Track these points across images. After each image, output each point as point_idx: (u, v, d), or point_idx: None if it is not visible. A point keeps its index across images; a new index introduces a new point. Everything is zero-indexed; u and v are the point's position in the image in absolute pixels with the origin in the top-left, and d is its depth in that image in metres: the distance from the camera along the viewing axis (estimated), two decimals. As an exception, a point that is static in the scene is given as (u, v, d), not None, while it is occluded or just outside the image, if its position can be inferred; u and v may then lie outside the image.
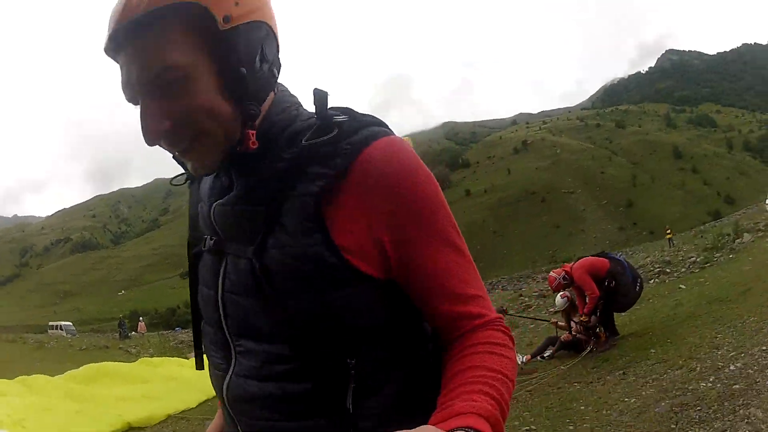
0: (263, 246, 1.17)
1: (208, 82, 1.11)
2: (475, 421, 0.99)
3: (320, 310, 1.16)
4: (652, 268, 19.32)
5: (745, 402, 5.36)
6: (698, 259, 18.38)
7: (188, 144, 1.15)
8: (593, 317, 9.42)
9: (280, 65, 1.25)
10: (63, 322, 75.11)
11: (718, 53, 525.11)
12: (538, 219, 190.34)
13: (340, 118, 1.21)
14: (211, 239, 1.30)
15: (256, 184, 1.20)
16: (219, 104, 1.12)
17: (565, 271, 9.84)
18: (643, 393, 6.60)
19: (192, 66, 1.09)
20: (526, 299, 21.80)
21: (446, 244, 1.21)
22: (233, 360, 1.28)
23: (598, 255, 10.32)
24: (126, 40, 1.08)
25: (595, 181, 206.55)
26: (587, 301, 9.47)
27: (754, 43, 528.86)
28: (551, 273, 10.28)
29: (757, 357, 6.46)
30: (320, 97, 1.22)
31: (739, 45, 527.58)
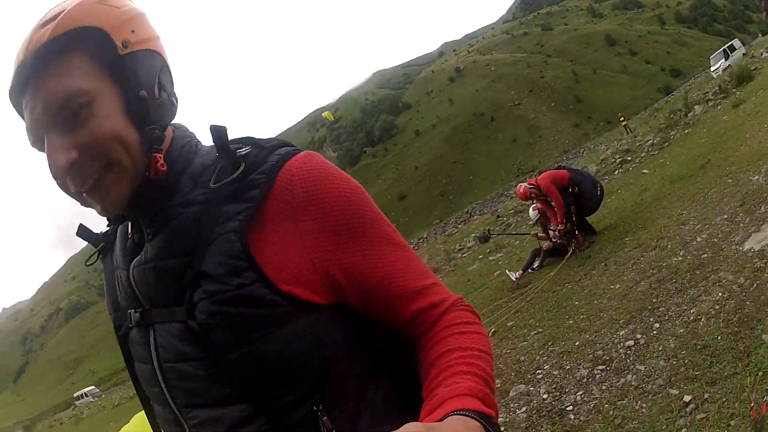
0: (191, 302, 1.07)
1: (113, 108, 1.07)
2: (462, 403, 0.97)
3: (271, 355, 1.06)
4: (613, 160, 19.46)
5: (714, 268, 5.76)
6: (655, 141, 18.48)
7: (97, 175, 1.07)
8: (569, 224, 9.87)
9: (177, 98, 1.20)
10: (85, 389, 75.93)
11: None
12: (493, 138, 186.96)
13: (244, 150, 1.15)
14: (136, 311, 1.18)
15: (171, 235, 1.12)
16: (125, 129, 1.08)
17: (531, 184, 10.18)
18: (625, 278, 7.04)
19: (96, 91, 1.05)
20: (504, 218, 22.11)
21: (386, 243, 1.17)
22: None
23: (557, 168, 10.72)
24: (31, 74, 1.04)
25: (538, 87, 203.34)
26: (557, 210, 9.91)
27: None
28: (518, 186, 10.58)
29: (720, 226, 6.86)
30: (219, 133, 1.14)
31: None
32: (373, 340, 1.24)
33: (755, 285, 4.85)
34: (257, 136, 1.22)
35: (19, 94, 1.08)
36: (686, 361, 4.28)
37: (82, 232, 1.32)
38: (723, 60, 46.51)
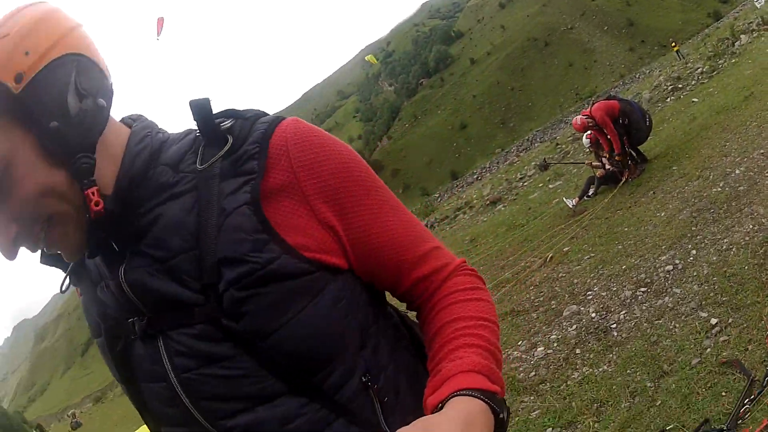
0: (217, 295, 0.96)
1: (30, 159, 0.91)
2: (467, 381, 0.92)
3: (311, 329, 0.99)
4: (665, 87, 19.23)
5: (748, 201, 6.05)
6: (705, 69, 18.14)
7: (44, 233, 0.96)
8: (622, 152, 10.08)
9: (109, 90, 1.01)
10: None
11: None
12: (550, 63, 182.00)
13: (227, 123, 1.04)
14: (141, 319, 1.03)
15: (165, 232, 0.99)
16: (49, 178, 0.93)
17: (586, 115, 10.37)
18: (670, 206, 7.39)
19: (7, 151, 0.90)
20: (563, 146, 22.01)
21: (387, 208, 1.10)
22: None
23: (608, 98, 10.85)
24: None
25: (590, 10, 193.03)
26: (612, 139, 10.11)
27: None
28: (574, 119, 10.80)
29: (757, 160, 7.07)
30: (201, 107, 1.03)
31: None
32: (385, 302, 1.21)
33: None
34: (237, 108, 1.11)
35: None
36: (716, 287, 4.66)
37: (45, 259, 1.11)
38: None
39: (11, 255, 0.97)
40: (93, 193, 0.96)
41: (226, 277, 0.96)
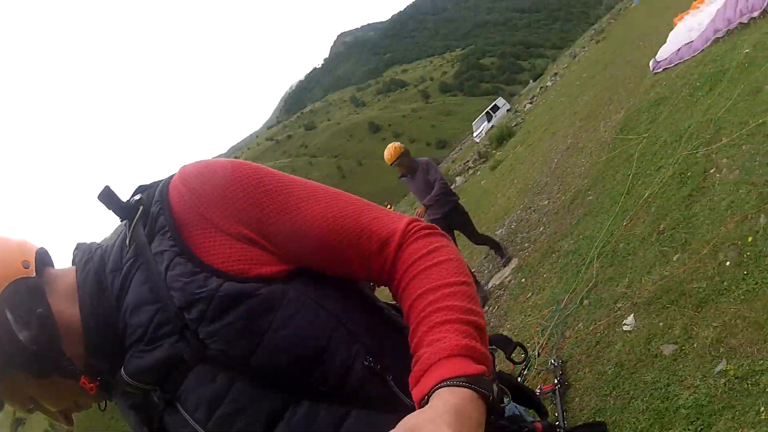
0: (195, 337, 1.02)
1: (20, 384, 1.07)
2: (449, 369, 0.87)
3: (290, 336, 1.02)
4: None
5: None
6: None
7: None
8: None
9: (38, 284, 1.09)
10: None
11: (392, 16, 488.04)
12: None
13: (136, 197, 1.14)
14: (155, 390, 1.09)
15: (137, 310, 1.07)
16: (57, 389, 1.09)
17: None
18: None
19: (28, 391, 1.09)
20: None
21: (303, 199, 1.09)
22: None
23: None
24: None
25: None
26: None
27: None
28: None
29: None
30: (108, 196, 1.13)
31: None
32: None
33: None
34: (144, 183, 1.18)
35: None
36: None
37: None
38: (486, 123, 46.34)
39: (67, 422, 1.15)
40: (85, 382, 1.09)
41: (189, 317, 1.02)
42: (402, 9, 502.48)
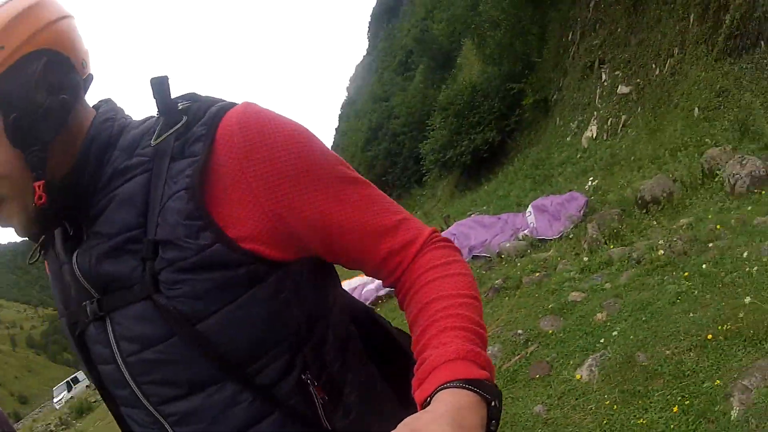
0: (153, 274, 0.96)
1: None
2: (452, 371, 0.87)
3: (244, 319, 0.98)
4: None
5: None
6: None
7: None
8: None
9: (78, 84, 1.03)
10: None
11: (9, 242, 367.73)
12: None
13: (185, 103, 1.04)
14: (91, 302, 1.03)
15: (115, 210, 1.00)
16: (7, 163, 0.95)
17: None
18: None
19: None
20: None
21: (343, 183, 1.04)
22: None
23: None
24: None
25: None
26: None
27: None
28: None
29: None
30: (159, 85, 1.02)
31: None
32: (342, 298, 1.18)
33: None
34: (198, 95, 1.08)
35: None
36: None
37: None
38: (65, 392, 45.23)
39: None
40: (39, 187, 0.96)
41: (162, 255, 0.96)
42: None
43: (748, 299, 4.21)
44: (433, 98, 30.41)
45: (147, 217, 0.98)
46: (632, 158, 11.09)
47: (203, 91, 1.11)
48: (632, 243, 6.88)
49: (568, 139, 16.50)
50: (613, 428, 3.74)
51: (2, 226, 1.04)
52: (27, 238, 1.09)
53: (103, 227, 1.02)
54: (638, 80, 13.51)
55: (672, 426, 3.39)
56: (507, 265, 8.73)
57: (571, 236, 8.56)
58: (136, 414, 1.10)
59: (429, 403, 0.84)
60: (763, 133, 8.04)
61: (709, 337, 4.00)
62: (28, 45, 0.95)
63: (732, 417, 3.19)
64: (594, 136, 14.54)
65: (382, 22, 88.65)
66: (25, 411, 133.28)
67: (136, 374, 1.03)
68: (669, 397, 3.67)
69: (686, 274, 5.22)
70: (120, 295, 1.01)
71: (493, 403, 0.85)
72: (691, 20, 11.47)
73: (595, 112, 15.10)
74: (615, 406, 3.91)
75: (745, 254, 5.10)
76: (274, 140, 1.00)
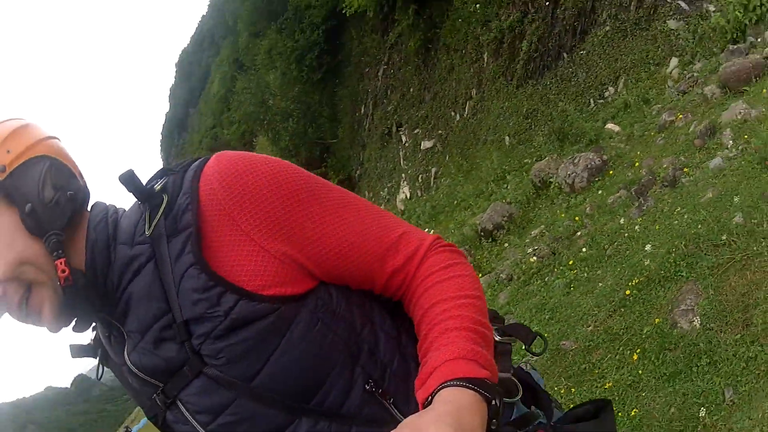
0: (194, 351, 0.99)
1: (11, 233, 0.99)
2: (454, 370, 0.87)
3: (295, 360, 0.99)
4: None
5: None
6: None
7: (24, 300, 1.01)
8: None
9: (79, 188, 1.07)
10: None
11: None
12: None
13: (160, 183, 1.04)
14: (158, 395, 1.07)
15: (140, 304, 1.03)
16: (28, 249, 0.99)
17: None
18: None
19: None
20: None
21: (336, 208, 1.03)
22: None
23: None
24: None
25: None
26: None
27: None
28: None
29: None
30: (129, 179, 1.02)
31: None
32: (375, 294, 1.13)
33: None
34: (169, 166, 1.09)
35: None
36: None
37: (76, 350, 1.18)
38: None
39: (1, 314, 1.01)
40: (61, 263, 0.99)
41: (196, 332, 0.97)
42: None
43: (648, 247, 4.44)
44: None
45: (169, 303, 0.99)
46: (455, 202, 11.18)
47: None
48: (494, 269, 6.93)
49: (381, 207, 16.25)
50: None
51: (35, 324, 1.05)
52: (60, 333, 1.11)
53: (134, 325, 1.04)
54: (440, 131, 13.65)
55: (641, 370, 3.45)
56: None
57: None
58: None
59: (430, 402, 0.85)
60: (584, 131, 8.18)
61: (627, 293, 4.12)
62: (31, 150, 1.03)
63: (696, 329, 3.38)
64: (408, 197, 14.43)
65: (173, 137, 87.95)
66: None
67: None
68: (618, 356, 3.71)
69: (571, 262, 5.37)
70: (177, 379, 1.03)
71: (493, 402, 0.86)
72: (485, 59, 11.85)
73: (403, 174, 15.12)
74: (573, 389, 3.84)
75: (621, 221, 5.33)
76: (255, 183, 0.99)
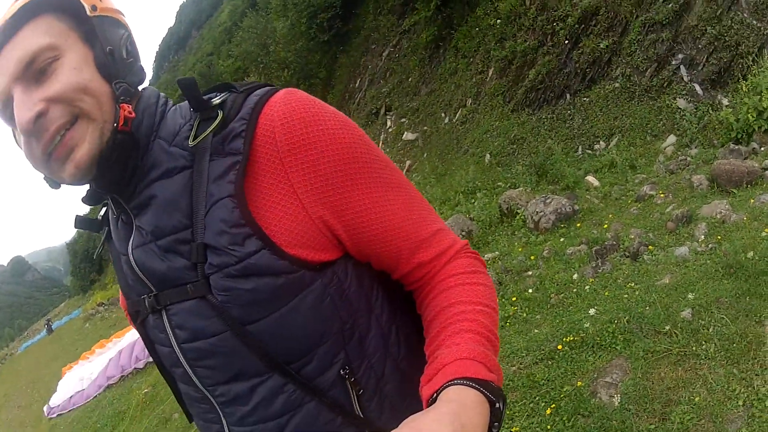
0: (204, 276, 0.97)
1: (82, 62, 0.95)
2: (462, 369, 0.87)
3: (294, 323, 0.99)
4: None
5: None
6: None
7: (64, 131, 0.93)
8: None
9: (142, 67, 1.07)
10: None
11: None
12: None
13: (219, 98, 1.00)
14: (149, 297, 1.06)
15: (161, 209, 1.00)
16: (95, 81, 0.95)
17: None
18: None
19: (65, 47, 0.95)
20: None
21: (386, 187, 1.02)
22: (220, 413, 1.11)
23: None
24: (3, 41, 0.94)
25: None
26: None
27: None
28: None
29: None
30: (187, 85, 0.99)
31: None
32: (386, 283, 1.13)
33: None
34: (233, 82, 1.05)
35: None
36: None
37: (80, 222, 1.18)
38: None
39: (28, 129, 0.92)
40: (127, 106, 0.97)
41: (210, 260, 0.95)
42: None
43: (592, 311, 4.47)
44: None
45: (192, 219, 0.97)
46: None
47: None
48: None
49: None
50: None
51: (46, 165, 0.98)
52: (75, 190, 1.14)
53: (149, 225, 1.02)
54: (425, 128, 13.57)
55: (550, 425, 3.45)
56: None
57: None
58: (191, 391, 1.14)
59: (435, 400, 0.85)
60: (564, 175, 8.22)
61: (559, 347, 4.12)
62: (117, 14, 1.04)
63: (614, 405, 3.37)
64: None
65: (169, 52, 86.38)
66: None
67: (190, 358, 1.06)
68: (532, 404, 3.73)
69: (513, 298, 5.37)
70: (175, 292, 1.02)
71: (497, 405, 0.86)
72: (490, 74, 11.79)
73: None
74: (481, 429, 3.41)
75: (574, 276, 5.34)
76: (319, 138, 0.95)
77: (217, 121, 0.96)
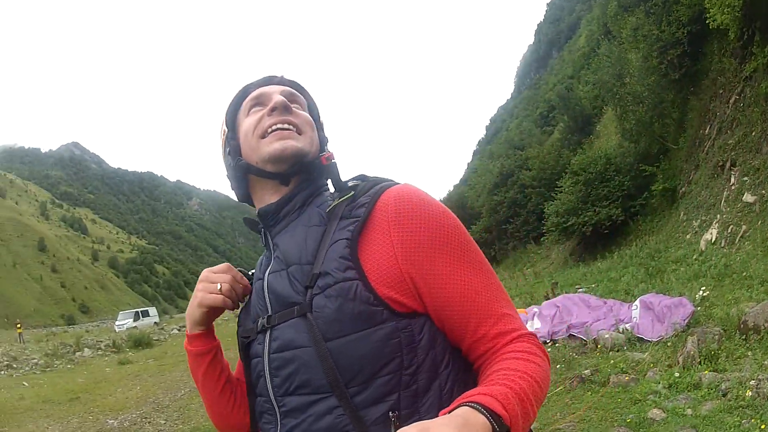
0: (310, 299, 1.19)
1: (312, 122, 1.42)
2: (479, 398, 0.97)
3: (362, 350, 1.14)
4: (1, 360, 19.56)
5: None
6: (39, 362, 19.06)
7: (293, 126, 1.35)
8: None
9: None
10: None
11: (119, 168, 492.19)
12: None
13: (355, 182, 1.35)
14: (264, 317, 1.29)
15: (297, 246, 1.27)
16: (313, 126, 1.41)
17: None
18: None
19: (305, 105, 1.45)
20: None
21: (470, 264, 1.22)
22: (278, 424, 1.25)
23: None
24: (287, 83, 1.47)
25: None
26: None
27: (161, 175, 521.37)
28: None
29: None
30: (331, 169, 1.37)
31: (144, 171, 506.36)
32: (459, 361, 1.24)
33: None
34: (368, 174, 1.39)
35: (266, 83, 1.45)
36: None
37: (251, 224, 1.47)
38: (131, 320, 47.40)
39: (280, 104, 1.36)
40: (329, 154, 1.38)
41: (318, 283, 1.19)
42: (131, 169, 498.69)
43: None
44: (567, 159, 30.25)
45: (316, 256, 1.23)
46: (744, 274, 10.52)
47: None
48: (725, 371, 6.71)
49: (688, 236, 15.94)
50: None
51: (284, 141, 1.33)
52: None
53: (288, 256, 1.29)
54: (764, 191, 12.79)
55: None
56: (600, 355, 8.74)
57: (669, 344, 8.25)
58: (263, 401, 1.30)
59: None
60: None
61: None
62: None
63: None
64: (713, 240, 13.87)
65: (530, 69, 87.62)
66: (83, 320, 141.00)
67: (272, 368, 1.25)
68: None
69: (763, 426, 5.09)
70: (285, 312, 1.24)
71: None
72: None
73: (719, 215, 14.38)
74: None
75: None
76: (422, 215, 1.21)
77: (349, 195, 1.29)
